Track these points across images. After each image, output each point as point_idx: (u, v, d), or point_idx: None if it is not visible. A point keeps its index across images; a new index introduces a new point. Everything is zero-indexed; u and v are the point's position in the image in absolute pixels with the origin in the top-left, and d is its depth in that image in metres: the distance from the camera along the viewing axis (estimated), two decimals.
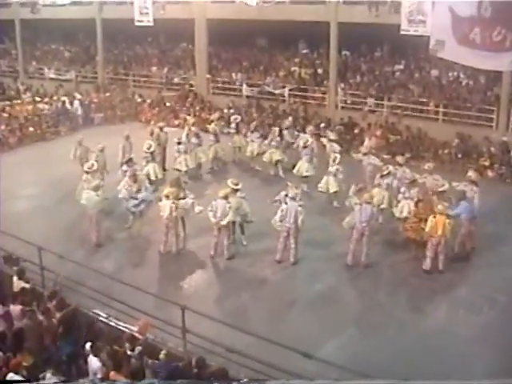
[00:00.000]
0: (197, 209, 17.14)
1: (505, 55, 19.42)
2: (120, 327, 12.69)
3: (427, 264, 15.74)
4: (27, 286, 13.47)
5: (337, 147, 21.81)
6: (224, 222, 16.44)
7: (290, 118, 26.25)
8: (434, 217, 15.54)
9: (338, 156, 20.27)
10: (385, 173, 18.56)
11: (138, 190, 18.11)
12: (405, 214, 17.14)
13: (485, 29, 19.48)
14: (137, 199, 17.96)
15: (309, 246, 17.01)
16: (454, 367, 11.88)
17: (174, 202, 16.72)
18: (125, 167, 19.78)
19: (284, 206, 16.23)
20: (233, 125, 25.42)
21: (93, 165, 19.32)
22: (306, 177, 21.19)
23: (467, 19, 19.78)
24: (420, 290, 15.34)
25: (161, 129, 24.31)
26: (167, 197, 16.82)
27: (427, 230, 15.61)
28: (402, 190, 17.81)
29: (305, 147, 21.80)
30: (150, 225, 17.99)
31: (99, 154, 20.81)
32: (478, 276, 15.88)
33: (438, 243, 15.58)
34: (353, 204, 16.43)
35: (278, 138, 23.48)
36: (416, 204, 16.72)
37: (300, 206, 16.24)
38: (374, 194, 17.46)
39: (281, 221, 16.28)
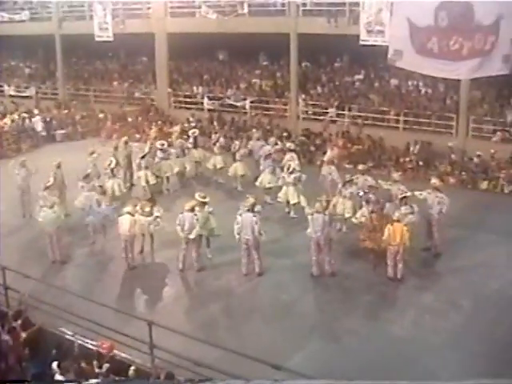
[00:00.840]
0: (151, 227, 17.21)
1: (462, 63, 19.67)
2: (87, 345, 12.56)
3: (390, 272, 15.80)
4: None
5: (295, 157, 21.96)
6: (192, 236, 16.40)
7: (255, 131, 26.25)
8: (392, 225, 15.60)
9: (293, 164, 20.33)
10: (347, 181, 18.69)
11: (99, 204, 18.07)
12: (361, 219, 17.19)
13: (442, 38, 19.72)
14: (99, 213, 17.91)
15: (274, 256, 17.07)
16: (424, 373, 11.97)
17: (133, 218, 16.67)
18: (81, 183, 19.74)
19: (239, 218, 16.18)
20: (191, 139, 25.25)
21: (49, 181, 19.20)
22: (269, 188, 21.16)
23: (425, 29, 20.01)
24: (385, 298, 15.44)
25: (125, 143, 24.22)
26: (129, 213, 16.75)
27: (385, 238, 15.63)
28: (361, 194, 17.96)
29: (267, 158, 21.86)
30: (115, 240, 17.85)
31: (56, 170, 20.59)
32: (442, 281, 16.03)
33: (397, 252, 15.62)
34: (306, 213, 16.43)
35: (245, 151, 23.47)
36: (370, 214, 16.81)
37: (255, 216, 16.12)
38: (334, 203, 17.53)
39: (238, 233, 16.26)
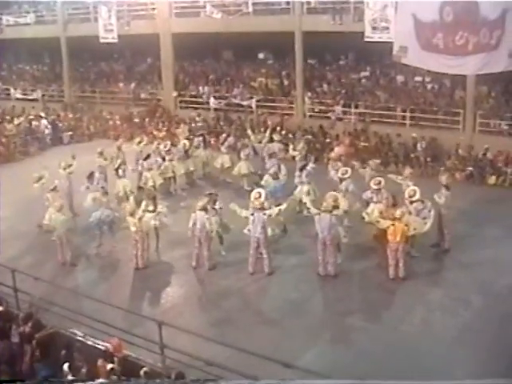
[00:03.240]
0: (152, 222, 17.26)
1: (468, 59, 19.64)
2: (98, 346, 12.57)
3: (391, 273, 15.70)
4: (0, 308, 13.33)
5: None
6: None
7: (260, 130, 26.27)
8: (393, 224, 15.54)
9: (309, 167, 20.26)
10: (344, 176, 18.65)
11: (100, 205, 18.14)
12: (374, 216, 17.07)
13: (447, 33, 19.69)
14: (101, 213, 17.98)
15: (281, 254, 17.10)
16: (434, 370, 11.94)
17: (135, 217, 16.73)
18: (86, 182, 19.86)
19: (250, 217, 16.25)
20: (197, 139, 25.29)
21: (53, 183, 19.22)
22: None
23: (430, 24, 19.98)
24: (393, 295, 15.40)
25: (139, 142, 24.31)
26: (130, 214, 16.83)
27: (389, 237, 15.57)
28: (369, 195, 17.85)
29: (271, 157, 21.83)
30: (124, 240, 17.86)
31: (62, 172, 20.73)
32: (451, 277, 16.01)
33: (397, 249, 15.56)
34: (312, 213, 16.32)
35: (249, 150, 23.46)
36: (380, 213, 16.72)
37: (265, 215, 16.15)
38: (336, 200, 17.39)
39: (249, 231, 16.37)
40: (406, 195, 16.90)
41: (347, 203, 17.64)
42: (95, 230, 18.14)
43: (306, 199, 17.49)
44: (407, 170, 19.14)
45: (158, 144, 23.91)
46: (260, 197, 16.71)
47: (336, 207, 16.31)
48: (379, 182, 17.79)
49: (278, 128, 26.76)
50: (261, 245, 16.19)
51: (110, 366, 11.07)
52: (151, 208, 17.27)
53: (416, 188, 16.92)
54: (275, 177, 20.07)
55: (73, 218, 19.55)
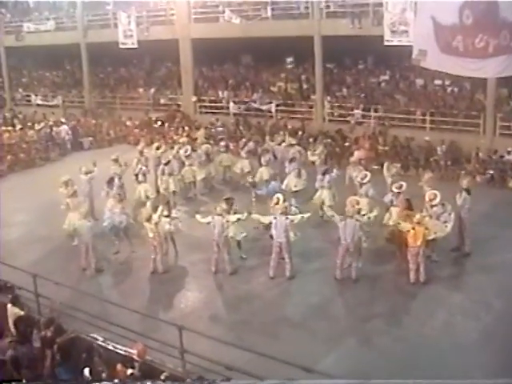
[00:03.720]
0: (167, 227, 17.33)
1: (488, 61, 19.50)
2: (118, 350, 12.63)
3: (412, 277, 15.59)
4: (21, 313, 13.44)
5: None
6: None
7: (279, 134, 26.17)
8: (413, 228, 15.46)
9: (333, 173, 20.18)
10: (364, 181, 18.62)
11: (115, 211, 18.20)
12: (394, 219, 17.00)
13: (467, 36, 19.57)
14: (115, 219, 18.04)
15: (301, 259, 17.06)
16: (456, 374, 11.88)
17: (151, 223, 16.77)
18: (106, 187, 19.92)
19: (274, 222, 16.20)
20: (222, 143, 25.29)
21: (72, 188, 19.34)
22: (296, 191, 21.01)
23: (449, 27, 19.88)
24: (413, 300, 15.33)
25: (157, 149, 24.24)
26: (147, 220, 16.89)
27: (409, 241, 15.47)
28: (390, 198, 17.86)
29: (291, 162, 21.81)
30: (143, 246, 17.89)
31: (83, 177, 20.79)
32: (473, 281, 15.91)
33: (417, 253, 15.47)
34: (336, 220, 16.12)
35: (270, 155, 23.39)
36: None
37: (287, 219, 16.10)
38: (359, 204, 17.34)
39: (271, 236, 16.36)
40: (427, 198, 16.82)
41: (369, 207, 17.66)
42: (111, 236, 18.21)
43: (327, 209, 17.48)
44: (427, 175, 19.03)
45: (179, 149, 23.86)
46: (279, 202, 16.70)
47: (358, 212, 16.28)
48: (400, 186, 17.76)
49: (300, 132, 26.78)
50: (283, 249, 16.15)
51: (130, 371, 11.12)
52: (166, 213, 17.33)
53: (436, 192, 16.81)
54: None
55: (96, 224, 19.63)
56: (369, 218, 16.40)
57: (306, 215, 16.69)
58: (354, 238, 15.72)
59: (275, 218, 16.21)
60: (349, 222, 15.71)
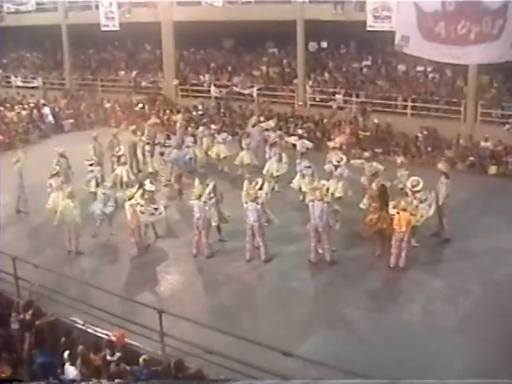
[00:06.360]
0: (150, 219, 17.49)
1: (470, 48, 19.59)
2: (98, 334, 12.61)
3: (392, 261, 15.68)
4: None
5: (308, 143, 21.93)
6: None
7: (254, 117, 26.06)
8: (398, 213, 15.51)
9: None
10: (338, 163, 18.70)
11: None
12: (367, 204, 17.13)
13: (449, 23, 19.63)
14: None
15: (279, 242, 17.10)
16: (433, 360, 11.98)
17: (131, 206, 16.83)
18: (90, 169, 19.98)
19: (245, 206, 16.31)
20: (201, 128, 25.15)
21: (54, 169, 19.36)
22: (277, 176, 21.06)
23: (432, 14, 19.92)
24: (394, 284, 15.42)
25: (133, 132, 24.16)
26: (129, 199, 17.00)
27: (394, 225, 15.54)
28: (365, 181, 17.96)
29: (272, 146, 21.78)
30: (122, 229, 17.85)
31: (60, 158, 20.69)
32: (452, 267, 15.99)
33: (402, 239, 15.55)
34: (307, 201, 16.50)
35: (251, 140, 23.26)
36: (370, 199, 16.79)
37: (258, 204, 16.16)
38: (328, 186, 17.42)
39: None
40: (409, 185, 16.87)
41: (342, 189, 17.95)
42: (96, 222, 18.17)
43: (304, 188, 17.59)
44: (399, 159, 19.22)
45: (149, 132, 24.03)
46: (256, 185, 16.77)
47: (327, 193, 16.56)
48: (376, 172, 17.91)
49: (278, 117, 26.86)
50: (255, 232, 16.26)
51: (110, 353, 11.14)
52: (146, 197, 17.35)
53: (419, 178, 16.86)
54: None
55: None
56: (332, 194, 16.81)
57: (265, 189, 16.90)
58: (323, 217, 15.81)
59: (246, 202, 16.33)
60: (316, 203, 15.84)
